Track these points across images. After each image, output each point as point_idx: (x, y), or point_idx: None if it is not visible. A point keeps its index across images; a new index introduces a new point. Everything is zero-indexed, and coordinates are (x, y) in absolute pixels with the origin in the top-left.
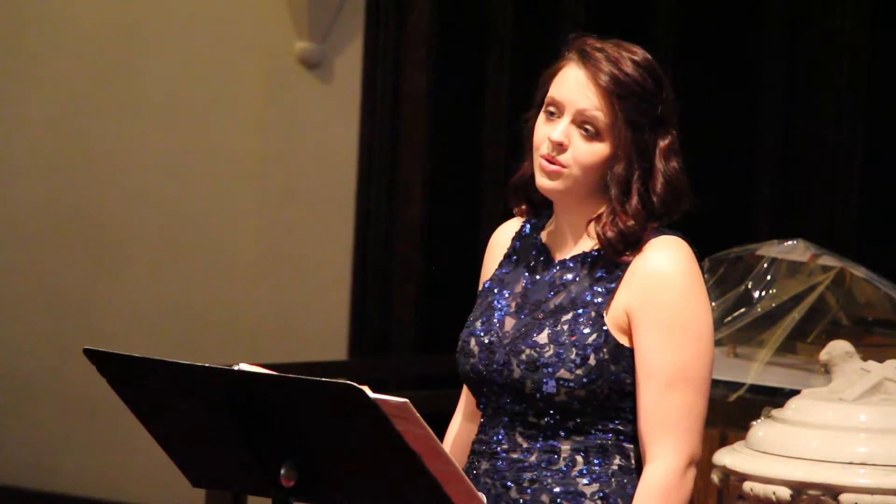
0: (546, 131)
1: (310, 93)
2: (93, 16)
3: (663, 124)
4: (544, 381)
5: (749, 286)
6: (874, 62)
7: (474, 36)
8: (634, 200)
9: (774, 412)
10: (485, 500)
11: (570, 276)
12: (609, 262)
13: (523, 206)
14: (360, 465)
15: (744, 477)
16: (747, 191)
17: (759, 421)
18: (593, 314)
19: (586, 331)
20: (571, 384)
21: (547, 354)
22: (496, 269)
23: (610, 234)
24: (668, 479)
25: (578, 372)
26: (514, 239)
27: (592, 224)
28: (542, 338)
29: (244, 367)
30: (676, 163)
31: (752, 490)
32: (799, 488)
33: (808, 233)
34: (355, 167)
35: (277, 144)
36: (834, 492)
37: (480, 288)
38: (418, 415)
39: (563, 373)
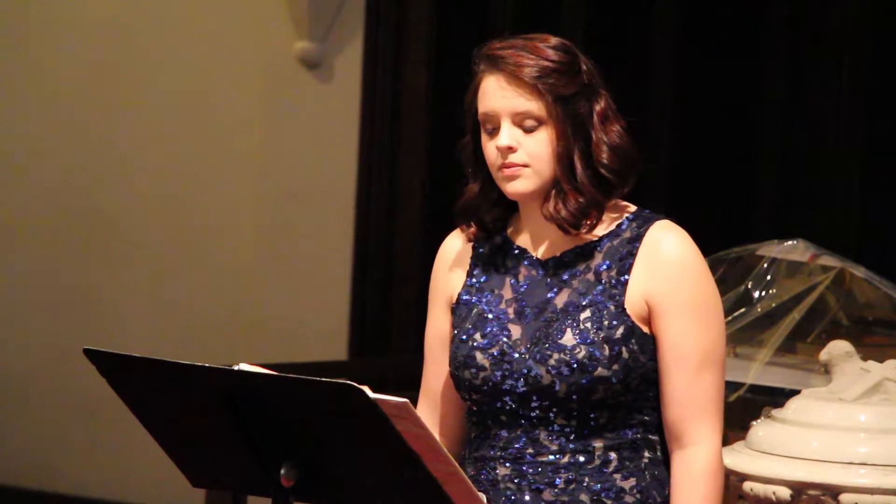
0: (493, 145)
1: (310, 93)
2: (94, 16)
3: (593, 89)
4: (583, 381)
5: (749, 286)
6: (874, 62)
7: (474, 35)
8: (579, 175)
9: (774, 412)
10: (485, 501)
11: (568, 273)
12: (608, 253)
13: (472, 229)
14: (360, 465)
15: (744, 477)
16: (747, 191)
17: (759, 421)
18: (613, 307)
19: (612, 325)
20: (611, 380)
21: (580, 356)
22: (467, 279)
23: (564, 213)
24: (714, 460)
25: (615, 367)
26: (474, 246)
27: (543, 207)
28: (568, 339)
29: (244, 367)
30: (618, 125)
31: (752, 490)
32: (799, 488)
33: (808, 233)
34: (355, 167)
35: (277, 144)
36: (834, 492)
37: (453, 300)
38: (418, 415)
39: (600, 371)
